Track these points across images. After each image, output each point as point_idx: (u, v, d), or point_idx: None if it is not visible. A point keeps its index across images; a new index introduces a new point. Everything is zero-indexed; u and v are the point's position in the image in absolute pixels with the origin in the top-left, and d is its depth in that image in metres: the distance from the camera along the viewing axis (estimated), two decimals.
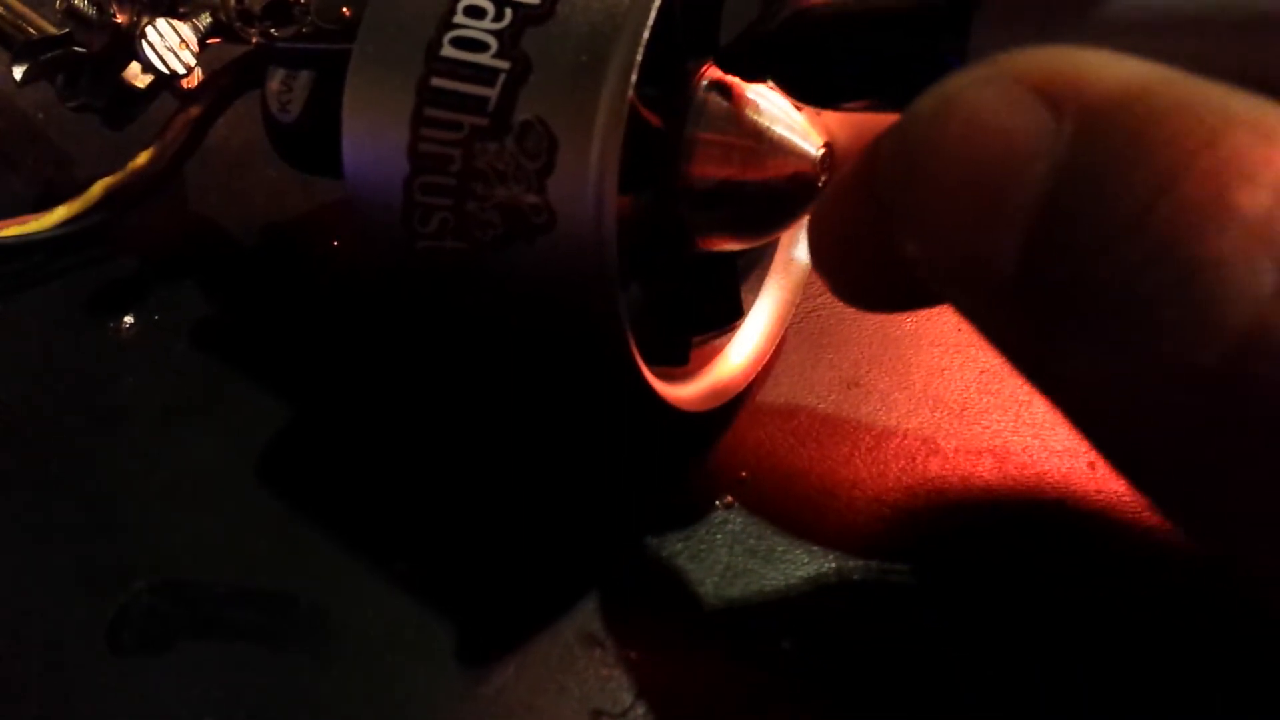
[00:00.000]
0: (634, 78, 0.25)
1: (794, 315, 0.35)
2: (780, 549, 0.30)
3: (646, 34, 0.25)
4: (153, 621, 0.28)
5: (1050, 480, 0.32)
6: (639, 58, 0.25)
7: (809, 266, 0.35)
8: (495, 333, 0.29)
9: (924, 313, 0.36)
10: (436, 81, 0.27)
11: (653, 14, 0.25)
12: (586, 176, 0.25)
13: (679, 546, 0.30)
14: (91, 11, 0.33)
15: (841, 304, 0.36)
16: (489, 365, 0.32)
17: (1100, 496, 0.32)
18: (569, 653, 0.28)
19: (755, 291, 0.34)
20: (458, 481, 0.31)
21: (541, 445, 0.32)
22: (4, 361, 0.33)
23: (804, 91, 0.25)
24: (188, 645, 0.27)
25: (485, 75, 0.26)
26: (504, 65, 0.26)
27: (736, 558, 0.30)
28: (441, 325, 0.30)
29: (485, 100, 0.26)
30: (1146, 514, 0.31)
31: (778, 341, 0.34)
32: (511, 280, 0.28)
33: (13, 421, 0.32)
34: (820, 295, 0.36)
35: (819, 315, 0.36)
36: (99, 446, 0.31)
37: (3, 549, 0.29)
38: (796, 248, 0.35)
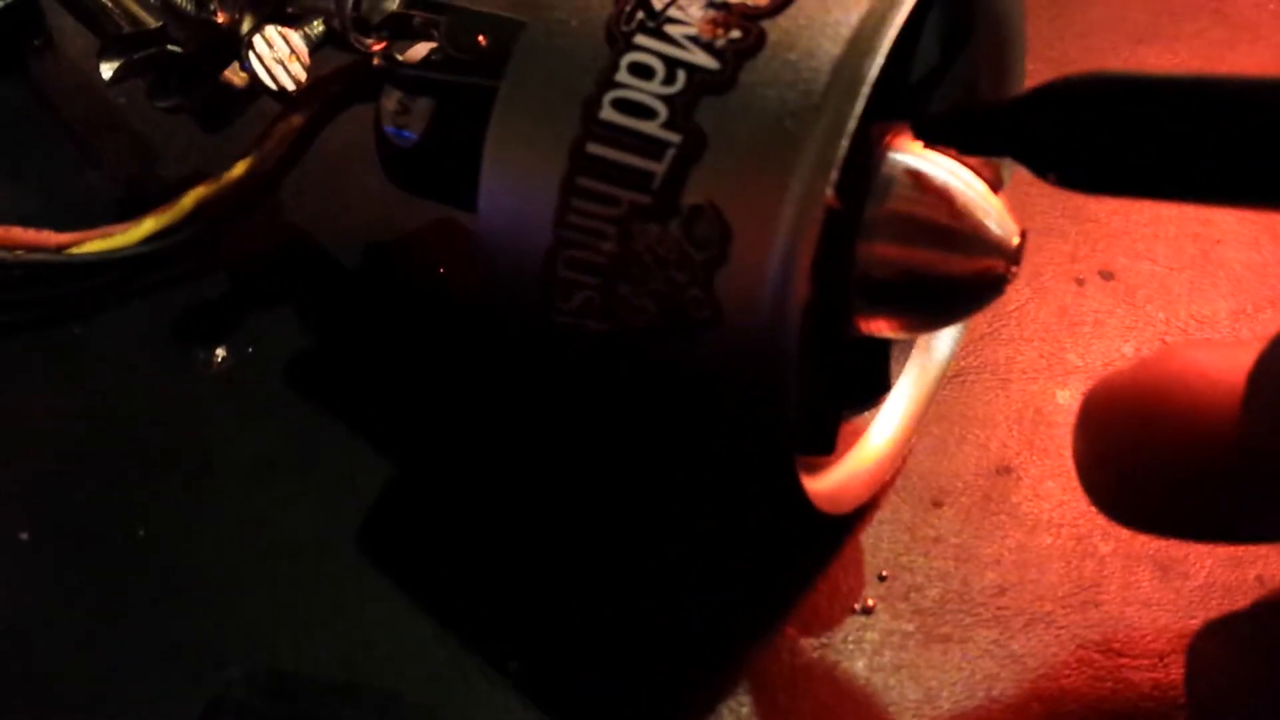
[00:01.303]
0: (834, 174, 0.22)
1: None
2: (925, 665, 0.28)
3: (853, 124, 0.22)
4: (248, 717, 0.25)
5: (1216, 595, 0.29)
6: (842, 152, 0.22)
7: (959, 335, 0.32)
8: (632, 419, 0.27)
9: (1080, 386, 0.33)
10: (593, 148, 0.24)
11: (862, 100, 0.22)
12: (764, 278, 0.22)
13: (814, 657, 0.27)
14: (190, 7, 0.30)
15: (989, 371, 0.34)
16: (619, 446, 0.29)
17: None
18: None
19: (899, 360, 0.31)
20: (582, 573, 0.28)
21: (668, 540, 0.29)
22: (81, 397, 0.30)
23: (1076, 175, 0.22)
24: None
25: (651, 147, 0.23)
26: (674, 138, 0.23)
27: (876, 672, 0.27)
28: (573, 402, 0.27)
29: (650, 176, 0.23)
30: None
31: (922, 419, 0.31)
32: (658, 370, 0.25)
33: (90, 470, 0.29)
34: (965, 358, 0.33)
35: (965, 383, 0.33)
36: (188, 503, 0.29)
37: (79, 619, 0.27)
38: None
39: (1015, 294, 0.35)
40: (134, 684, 0.26)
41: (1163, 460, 0.22)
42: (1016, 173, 0.33)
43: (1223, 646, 0.23)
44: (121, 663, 0.26)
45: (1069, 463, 0.31)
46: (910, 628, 0.28)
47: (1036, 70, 0.43)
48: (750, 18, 0.23)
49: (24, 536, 0.28)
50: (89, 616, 0.27)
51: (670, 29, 0.24)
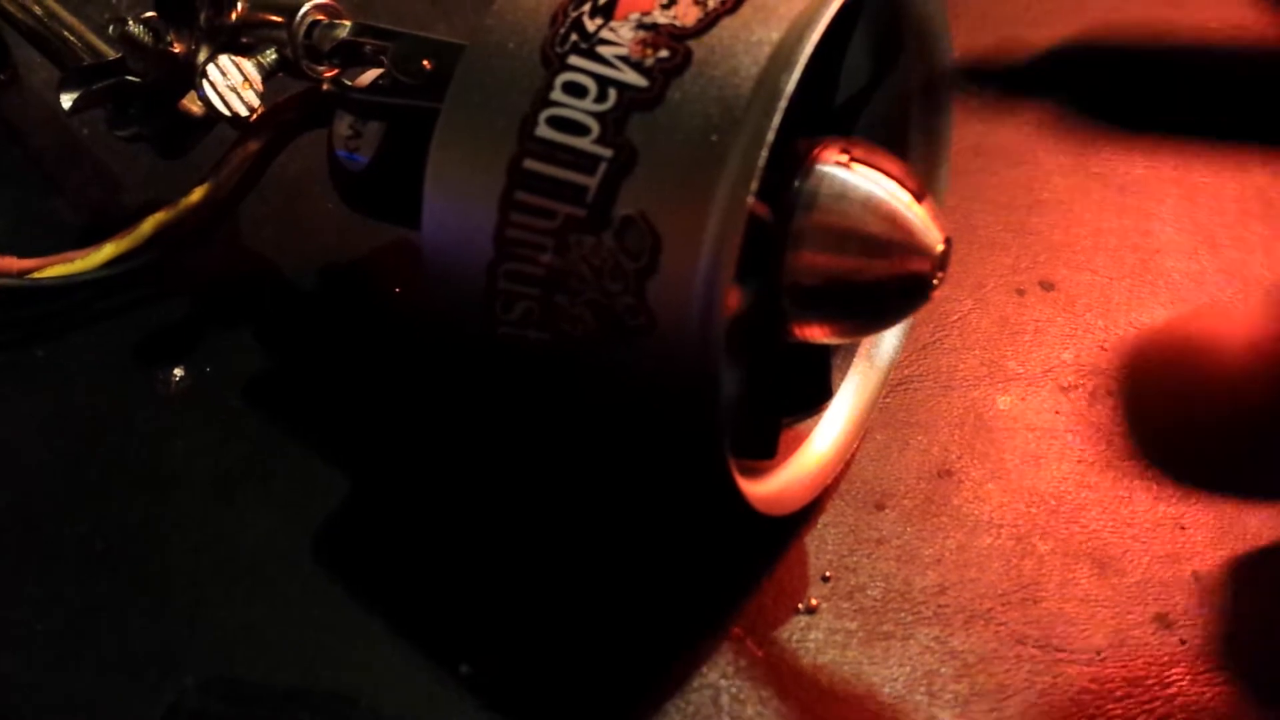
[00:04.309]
0: (755, 184, 0.23)
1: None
2: (867, 662, 0.28)
3: (772, 135, 0.23)
4: None
5: (1153, 591, 0.30)
6: (762, 161, 0.23)
7: (899, 344, 0.33)
8: (574, 425, 0.27)
9: (1019, 392, 0.34)
10: (530, 164, 0.25)
11: (779, 114, 0.23)
12: (693, 284, 0.23)
13: (760, 654, 0.28)
14: (147, 38, 0.31)
15: (931, 378, 0.35)
16: (565, 456, 0.30)
17: (1204, 611, 0.30)
18: None
19: (841, 368, 0.32)
20: (530, 577, 0.29)
21: (615, 542, 0.30)
22: (43, 416, 0.31)
23: None
24: None
25: (585, 162, 0.24)
26: (606, 153, 0.24)
27: (821, 670, 0.28)
28: (518, 411, 0.28)
29: (584, 189, 0.24)
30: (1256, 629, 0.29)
31: (865, 425, 0.32)
32: (597, 377, 0.26)
33: (52, 487, 0.30)
34: (909, 366, 0.34)
35: (909, 390, 0.34)
36: (148, 518, 0.29)
37: (44, 630, 0.27)
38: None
39: (958, 304, 0.36)
40: (95, 693, 0.26)
41: None
42: (958, 188, 0.34)
43: None
44: (83, 673, 0.27)
45: (1009, 465, 0.32)
46: (853, 626, 0.29)
47: (981, 91, 0.44)
48: (677, 38, 0.24)
49: None
50: (50, 629, 0.27)
51: (602, 50, 0.25)
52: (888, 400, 0.33)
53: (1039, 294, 0.37)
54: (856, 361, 0.32)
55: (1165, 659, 0.29)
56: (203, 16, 0.31)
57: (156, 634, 0.27)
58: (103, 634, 0.27)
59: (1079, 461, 0.33)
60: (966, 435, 0.33)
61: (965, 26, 0.47)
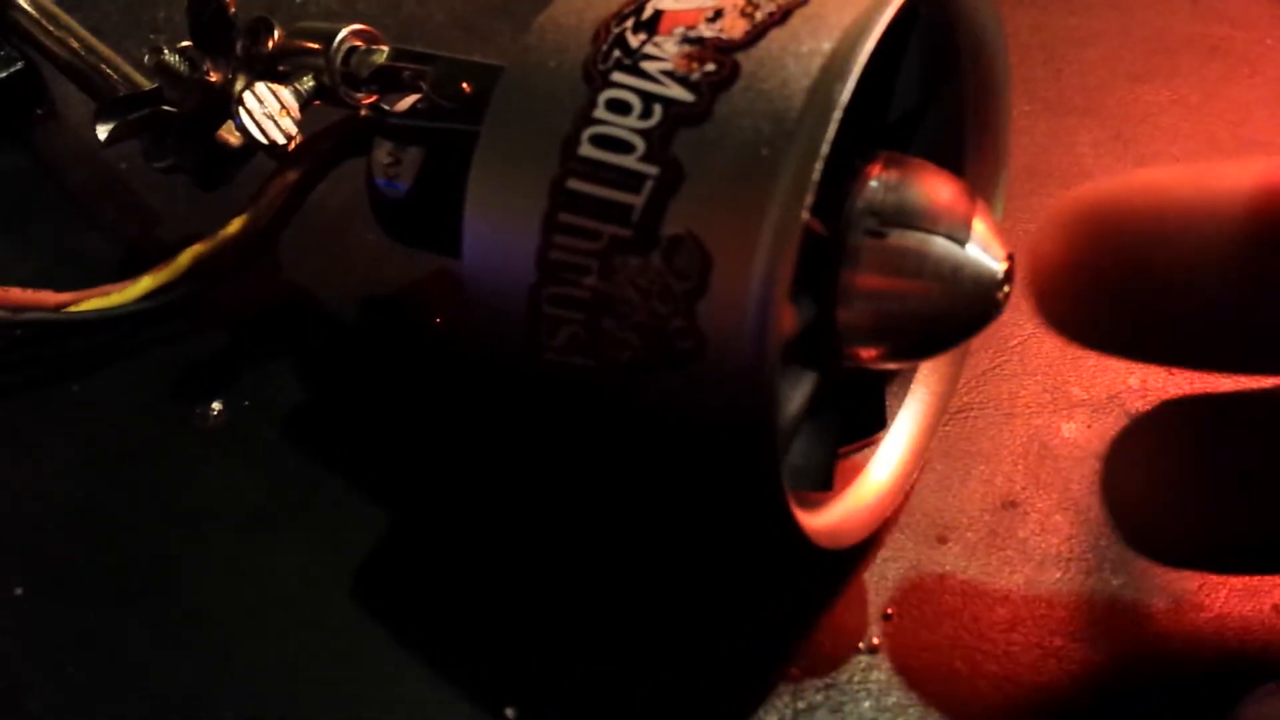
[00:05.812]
0: (809, 198, 0.22)
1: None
2: (933, 703, 0.27)
3: (826, 148, 0.22)
4: None
5: (1232, 628, 0.29)
6: (817, 175, 0.22)
7: (958, 368, 0.32)
8: (622, 455, 0.26)
9: (1085, 419, 0.32)
10: (573, 184, 0.24)
11: (833, 125, 0.22)
12: (745, 306, 0.22)
13: (818, 698, 0.27)
14: (183, 68, 0.31)
15: (992, 406, 0.33)
16: (612, 488, 0.29)
17: None
18: None
19: (899, 395, 0.31)
20: (578, 616, 0.28)
21: (665, 578, 0.29)
22: (78, 453, 0.30)
23: None
24: None
25: (630, 180, 0.23)
26: (652, 170, 0.23)
27: (883, 712, 0.27)
28: (563, 441, 0.27)
29: (629, 209, 0.23)
30: None
31: (924, 454, 0.31)
32: (646, 405, 0.24)
33: (86, 524, 0.29)
34: (969, 393, 0.33)
35: (968, 418, 0.32)
36: (183, 556, 0.28)
37: (77, 670, 0.27)
38: None
39: (1018, 329, 0.35)
40: None
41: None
42: (1011, 211, 0.33)
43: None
44: (116, 714, 0.26)
45: (1077, 495, 0.31)
46: (918, 665, 0.27)
47: (1033, 111, 0.43)
48: (724, 50, 0.24)
49: (19, 591, 0.28)
50: (83, 669, 0.27)
51: (646, 65, 0.24)
52: (948, 429, 0.32)
53: None
54: (914, 388, 0.31)
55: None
56: (239, 45, 0.31)
57: (189, 674, 0.26)
58: (133, 673, 0.26)
59: None
60: (1031, 464, 0.31)
61: (1013, 45, 0.46)
